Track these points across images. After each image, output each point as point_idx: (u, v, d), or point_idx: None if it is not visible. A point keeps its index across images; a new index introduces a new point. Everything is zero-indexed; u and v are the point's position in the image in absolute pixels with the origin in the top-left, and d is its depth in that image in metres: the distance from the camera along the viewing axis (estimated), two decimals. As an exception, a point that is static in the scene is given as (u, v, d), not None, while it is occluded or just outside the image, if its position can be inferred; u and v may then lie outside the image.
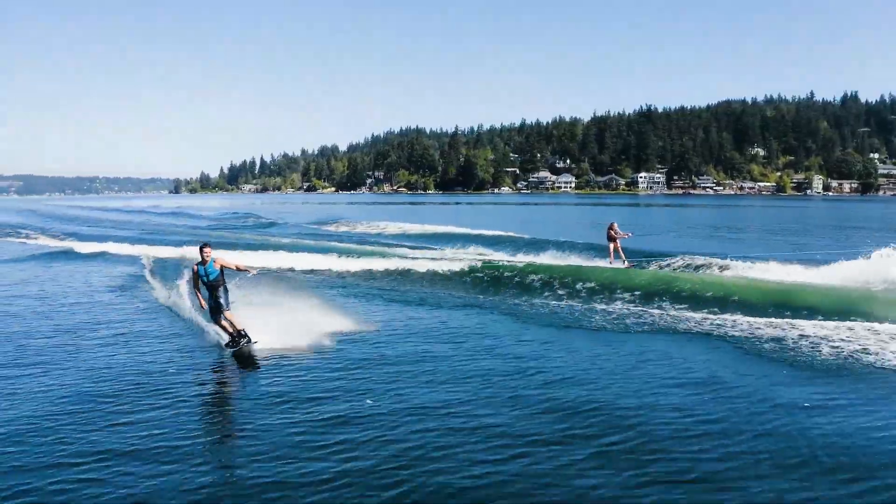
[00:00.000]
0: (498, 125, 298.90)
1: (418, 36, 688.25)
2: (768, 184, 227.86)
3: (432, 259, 24.92)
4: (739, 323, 14.26)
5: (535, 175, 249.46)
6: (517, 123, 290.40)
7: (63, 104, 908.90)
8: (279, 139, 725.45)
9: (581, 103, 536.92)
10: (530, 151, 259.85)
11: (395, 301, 18.04)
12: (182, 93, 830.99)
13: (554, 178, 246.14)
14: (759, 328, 13.73)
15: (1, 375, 10.74)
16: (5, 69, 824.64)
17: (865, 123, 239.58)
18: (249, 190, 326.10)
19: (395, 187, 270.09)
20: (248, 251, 28.42)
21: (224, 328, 12.18)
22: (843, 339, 12.51)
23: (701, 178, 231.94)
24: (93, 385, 10.15)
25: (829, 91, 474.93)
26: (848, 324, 13.68)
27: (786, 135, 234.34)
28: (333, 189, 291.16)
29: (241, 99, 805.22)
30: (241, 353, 11.84)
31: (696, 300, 16.53)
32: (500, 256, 26.73)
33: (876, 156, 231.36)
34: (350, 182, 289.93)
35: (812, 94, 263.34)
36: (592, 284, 18.78)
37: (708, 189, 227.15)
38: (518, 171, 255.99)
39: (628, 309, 16.22)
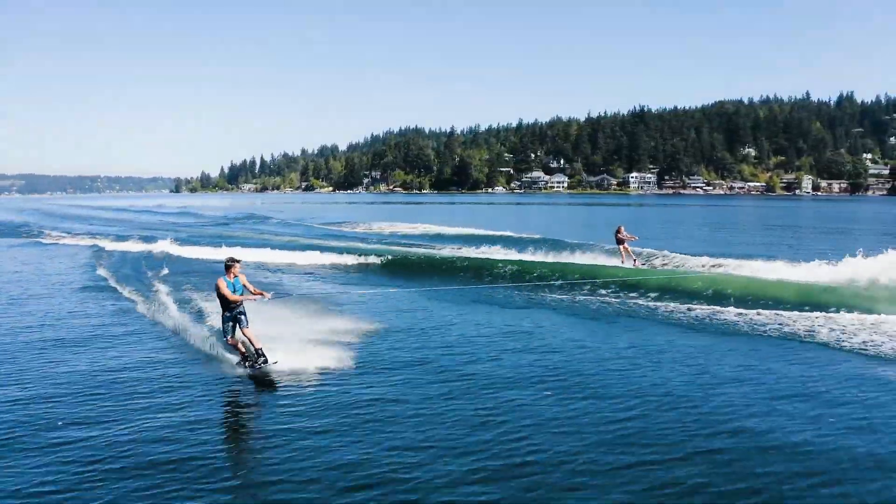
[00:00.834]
0: (496, 125, 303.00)
1: (418, 36, 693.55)
2: (758, 184, 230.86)
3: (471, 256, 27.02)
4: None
5: (529, 175, 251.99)
6: (514, 124, 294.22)
7: (65, 103, 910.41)
8: (280, 139, 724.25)
9: (579, 104, 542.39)
10: (524, 151, 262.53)
11: (480, 301, 18.55)
12: (184, 92, 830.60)
13: (547, 177, 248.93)
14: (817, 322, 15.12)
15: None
16: (8, 68, 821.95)
17: (860, 124, 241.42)
18: (249, 189, 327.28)
19: (391, 187, 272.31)
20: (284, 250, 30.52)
21: (238, 347, 11.79)
22: None
23: (692, 178, 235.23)
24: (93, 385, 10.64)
25: (825, 92, 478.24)
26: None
27: (777, 135, 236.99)
28: (331, 189, 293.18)
29: (242, 98, 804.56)
30: (258, 374, 11.38)
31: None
32: (533, 257, 27.38)
33: (868, 156, 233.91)
34: (347, 182, 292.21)
35: (808, 94, 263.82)
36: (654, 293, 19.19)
37: (698, 189, 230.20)
38: (512, 171, 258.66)
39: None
